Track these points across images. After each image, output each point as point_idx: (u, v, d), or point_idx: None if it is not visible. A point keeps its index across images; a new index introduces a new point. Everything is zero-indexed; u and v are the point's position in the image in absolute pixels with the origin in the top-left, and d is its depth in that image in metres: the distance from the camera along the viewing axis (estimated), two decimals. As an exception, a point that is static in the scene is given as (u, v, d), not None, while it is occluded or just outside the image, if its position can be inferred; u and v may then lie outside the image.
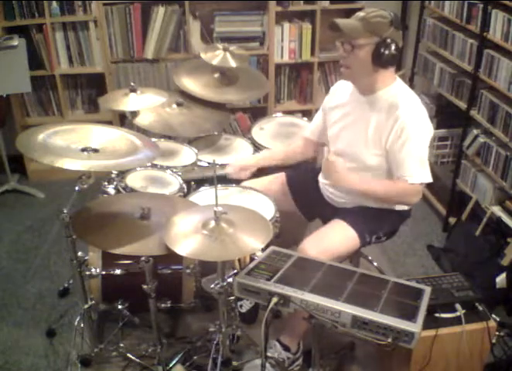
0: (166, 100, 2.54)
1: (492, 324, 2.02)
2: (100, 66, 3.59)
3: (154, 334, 2.15)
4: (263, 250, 1.82)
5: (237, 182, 2.44)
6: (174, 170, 2.51)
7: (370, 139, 2.08)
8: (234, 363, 2.15)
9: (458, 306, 2.02)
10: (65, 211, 1.90)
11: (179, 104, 2.77)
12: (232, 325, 2.21)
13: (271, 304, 1.62)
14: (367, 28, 1.94)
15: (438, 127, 3.37)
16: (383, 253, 3.00)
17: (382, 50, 1.94)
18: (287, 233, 2.28)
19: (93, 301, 2.18)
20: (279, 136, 2.88)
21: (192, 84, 2.88)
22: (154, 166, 2.50)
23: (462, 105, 3.04)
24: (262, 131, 2.93)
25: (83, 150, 1.83)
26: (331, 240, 2.10)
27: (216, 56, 2.85)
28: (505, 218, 2.72)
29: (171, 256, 1.75)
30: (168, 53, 3.59)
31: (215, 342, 2.13)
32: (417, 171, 2.02)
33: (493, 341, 2.05)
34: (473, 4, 2.85)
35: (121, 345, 2.28)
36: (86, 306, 2.13)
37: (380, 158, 2.09)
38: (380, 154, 2.08)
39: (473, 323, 2.01)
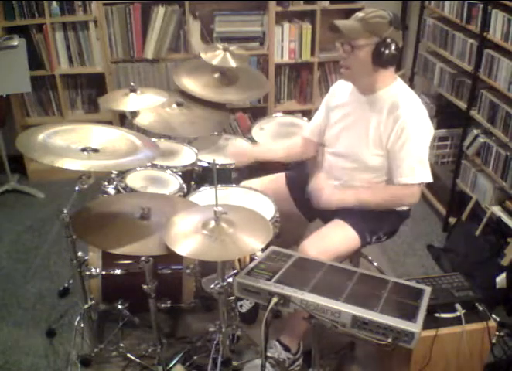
0: (166, 100, 2.54)
1: (492, 324, 2.02)
2: (100, 66, 3.59)
3: (154, 334, 2.15)
4: (263, 250, 1.82)
5: (237, 182, 2.44)
6: (174, 170, 2.51)
7: (371, 139, 2.08)
8: (234, 363, 2.15)
9: (458, 306, 2.02)
10: (65, 211, 1.90)
11: (179, 104, 2.77)
12: (232, 325, 2.21)
13: (271, 304, 1.62)
14: (367, 29, 1.95)
15: (438, 127, 3.37)
16: (383, 253, 3.00)
17: (382, 50, 1.94)
18: (287, 233, 2.28)
19: (93, 301, 2.18)
20: (279, 136, 2.88)
21: (192, 84, 2.88)
22: (154, 166, 2.51)
23: (462, 105, 3.04)
24: (262, 131, 2.94)
25: (83, 150, 1.83)
26: (331, 240, 2.10)
27: (216, 56, 2.85)
28: (505, 218, 2.72)
29: (171, 256, 1.75)
30: (168, 53, 3.59)
31: (215, 342, 2.13)
32: (416, 171, 2.02)
33: (493, 341, 2.05)
34: (473, 4, 2.85)
35: (121, 345, 2.28)
36: (86, 306, 2.12)
37: (382, 159, 2.09)
38: (381, 154, 2.08)
39: (473, 323, 2.00)
